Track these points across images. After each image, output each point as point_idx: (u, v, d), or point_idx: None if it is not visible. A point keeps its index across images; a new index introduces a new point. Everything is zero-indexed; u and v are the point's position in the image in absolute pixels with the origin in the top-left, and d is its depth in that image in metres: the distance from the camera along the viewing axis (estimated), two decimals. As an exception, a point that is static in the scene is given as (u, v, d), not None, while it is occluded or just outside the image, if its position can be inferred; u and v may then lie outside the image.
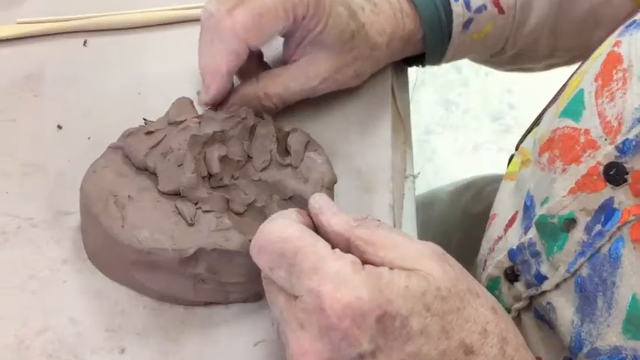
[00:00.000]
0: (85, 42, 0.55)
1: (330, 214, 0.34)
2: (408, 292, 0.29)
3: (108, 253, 0.41)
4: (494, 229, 0.47)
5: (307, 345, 0.29)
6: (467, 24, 0.52)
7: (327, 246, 0.31)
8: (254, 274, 0.39)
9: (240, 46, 0.43)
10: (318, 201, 0.35)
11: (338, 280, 0.29)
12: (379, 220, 0.34)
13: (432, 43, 0.52)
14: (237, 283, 0.41)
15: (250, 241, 0.38)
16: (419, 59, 0.55)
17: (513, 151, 0.51)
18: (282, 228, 0.32)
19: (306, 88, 0.47)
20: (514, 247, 0.42)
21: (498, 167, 1.76)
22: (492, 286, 0.44)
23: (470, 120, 1.81)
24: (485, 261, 0.46)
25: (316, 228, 0.35)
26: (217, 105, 0.46)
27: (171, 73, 0.52)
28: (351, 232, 0.32)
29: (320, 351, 0.29)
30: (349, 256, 0.31)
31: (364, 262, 0.31)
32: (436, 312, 0.30)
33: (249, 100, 0.46)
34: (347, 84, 0.49)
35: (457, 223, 0.69)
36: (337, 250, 0.31)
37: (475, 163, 1.68)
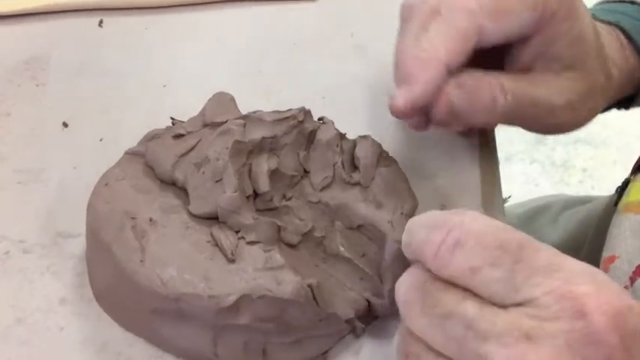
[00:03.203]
0: (100, 22, 0.51)
1: None
2: None
3: (121, 294, 0.34)
4: (614, 276, 0.39)
5: None
6: None
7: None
8: (312, 327, 0.33)
9: (471, 27, 0.33)
10: None
11: (595, 281, 0.24)
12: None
13: None
14: (289, 343, 0.33)
15: (309, 286, 0.32)
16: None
17: (629, 175, 0.44)
18: (488, 219, 0.26)
19: (544, 102, 0.37)
20: None
21: (531, 180, 1.68)
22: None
23: (501, 129, 1.76)
24: None
25: None
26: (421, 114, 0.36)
27: (205, 62, 0.48)
28: None
29: None
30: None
31: None
32: None
33: (478, 88, 0.35)
34: (574, 124, 0.40)
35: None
36: None
37: (507, 175, 1.62)
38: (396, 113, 0.34)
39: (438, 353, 0.25)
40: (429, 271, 0.26)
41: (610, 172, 1.48)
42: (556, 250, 0.25)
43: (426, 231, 0.26)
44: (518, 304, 0.24)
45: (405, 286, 0.27)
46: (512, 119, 0.37)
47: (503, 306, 0.24)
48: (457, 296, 0.25)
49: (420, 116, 0.37)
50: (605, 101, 0.41)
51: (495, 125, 0.38)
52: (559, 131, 0.40)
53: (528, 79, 0.37)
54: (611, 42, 0.41)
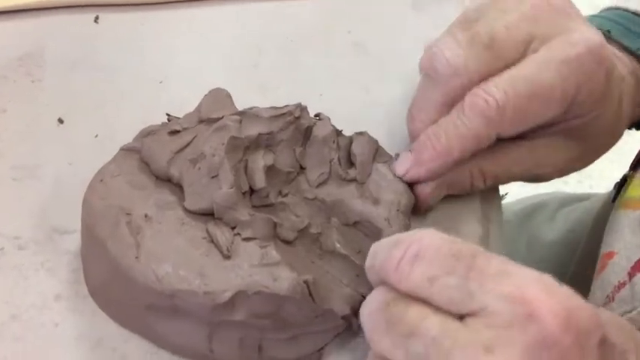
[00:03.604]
0: (96, 18, 0.49)
1: None
2: (620, 322, 0.26)
3: (116, 291, 0.33)
4: (612, 271, 0.38)
5: None
6: None
7: None
8: (308, 324, 0.32)
9: (489, 133, 0.33)
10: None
11: (544, 285, 0.24)
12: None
13: None
14: (285, 340, 0.33)
15: (305, 282, 0.32)
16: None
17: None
18: (444, 235, 0.27)
19: (526, 175, 0.38)
20: None
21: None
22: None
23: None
24: None
25: None
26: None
27: (201, 59, 0.47)
28: None
29: None
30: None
31: None
32: None
33: (458, 177, 0.36)
34: (563, 174, 0.40)
35: (525, 252, 0.59)
36: None
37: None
38: (398, 174, 0.36)
39: None
40: (392, 291, 0.27)
41: (608, 172, 1.47)
42: (507, 259, 0.26)
43: (387, 249, 0.27)
44: (475, 314, 0.24)
45: (369, 308, 0.27)
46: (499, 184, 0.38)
47: (461, 315, 0.24)
48: (419, 314, 0.25)
49: None
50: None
51: None
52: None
53: (516, 154, 0.36)
54: (629, 83, 0.39)
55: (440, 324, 0.24)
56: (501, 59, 0.33)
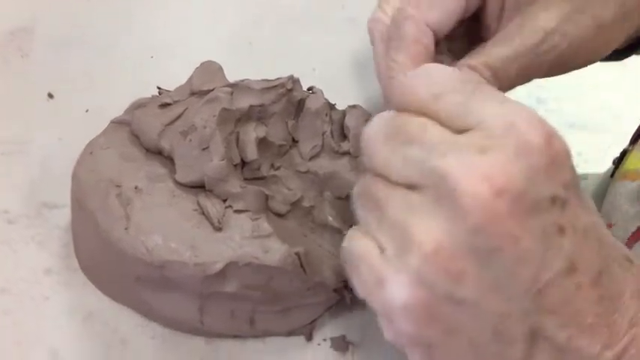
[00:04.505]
0: None
1: None
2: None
3: (106, 263, 0.33)
4: None
5: (494, 167, 0.25)
6: None
7: None
8: (300, 296, 0.32)
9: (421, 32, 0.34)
10: None
11: (532, 113, 0.26)
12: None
13: None
14: (277, 312, 0.33)
15: (296, 253, 0.32)
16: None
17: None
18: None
19: (523, 51, 0.35)
20: None
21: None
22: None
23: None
24: None
25: None
26: None
27: (195, 34, 0.47)
28: None
29: (511, 174, 0.25)
30: None
31: None
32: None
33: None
34: (586, 46, 0.37)
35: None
36: None
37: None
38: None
39: (397, 183, 0.26)
40: (396, 113, 0.28)
41: (606, 156, 1.47)
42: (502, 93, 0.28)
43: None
44: (473, 128, 0.26)
45: (372, 125, 0.28)
46: (507, 81, 0.36)
47: (459, 130, 0.26)
48: (421, 124, 0.27)
49: None
50: (618, 13, 0.37)
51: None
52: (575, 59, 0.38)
53: (498, 37, 0.36)
54: None
55: (439, 132, 0.26)
56: None
